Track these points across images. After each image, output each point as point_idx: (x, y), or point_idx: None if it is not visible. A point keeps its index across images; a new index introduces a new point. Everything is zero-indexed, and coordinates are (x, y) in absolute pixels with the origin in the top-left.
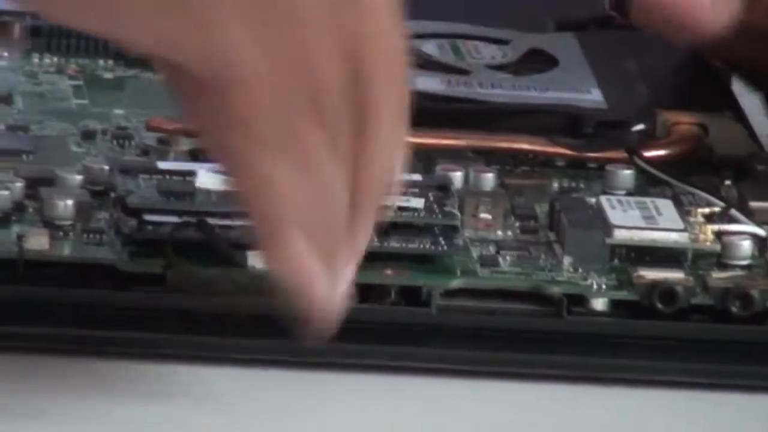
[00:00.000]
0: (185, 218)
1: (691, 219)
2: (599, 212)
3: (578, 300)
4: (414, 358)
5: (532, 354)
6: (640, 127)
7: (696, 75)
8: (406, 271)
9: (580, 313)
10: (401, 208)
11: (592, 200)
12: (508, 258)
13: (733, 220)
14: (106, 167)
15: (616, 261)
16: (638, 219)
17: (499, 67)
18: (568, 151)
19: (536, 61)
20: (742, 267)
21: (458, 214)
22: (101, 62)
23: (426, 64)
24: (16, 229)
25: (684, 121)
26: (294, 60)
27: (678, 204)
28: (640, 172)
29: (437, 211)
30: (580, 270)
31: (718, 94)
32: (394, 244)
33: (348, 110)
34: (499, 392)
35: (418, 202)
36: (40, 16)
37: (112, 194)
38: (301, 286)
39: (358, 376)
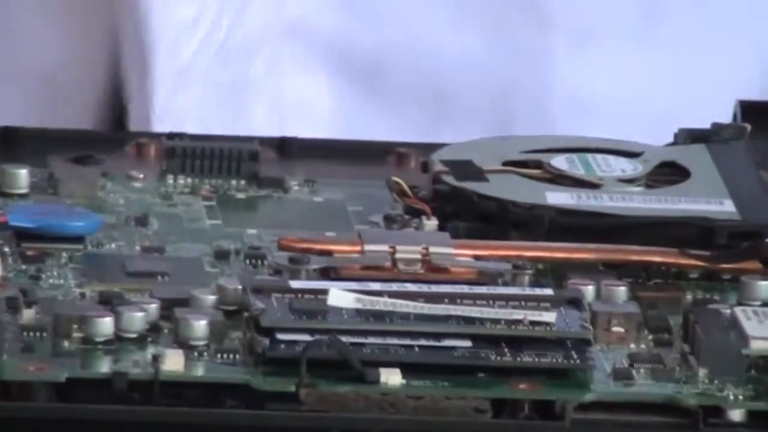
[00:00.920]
0: (317, 336)
1: None
2: (735, 323)
3: (715, 411)
4: None
5: None
6: None
7: None
8: (540, 385)
9: (717, 425)
10: (534, 323)
11: (727, 311)
12: (642, 371)
13: None
14: (240, 287)
15: (753, 372)
16: None
17: (630, 180)
18: (701, 263)
19: (668, 173)
20: None
21: (590, 327)
22: (234, 183)
23: (556, 178)
24: (151, 350)
25: None
26: None
27: None
28: None
29: (569, 325)
30: (716, 381)
31: None
32: (527, 358)
33: None
34: None
35: (551, 316)
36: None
37: (246, 314)
38: None
39: None
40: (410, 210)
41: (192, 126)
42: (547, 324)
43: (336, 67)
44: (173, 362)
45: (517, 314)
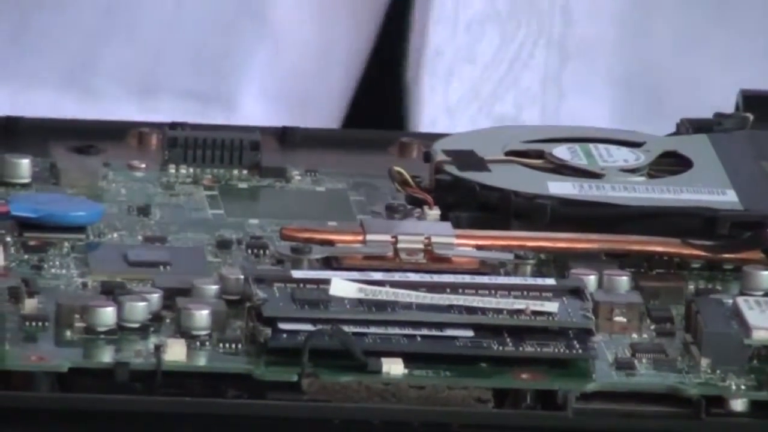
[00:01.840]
0: (319, 326)
1: None
2: (737, 313)
3: (717, 401)
4: None
5: None
6: None
7: None
8: (542, 375)
9: (719, 415)
10: (536, 313)
11: (729, 301)
12: (644, 360)
13: None
14: (242, 277)
15: (755, 362)
16: None
17: (633, 170)
18: (703, 253)
19: (670, 163)
20: None
21: (593, 317)
22: (236, 172)
23: (558, 168)
24: (153, 339)
25: None
26: None
27: None
28: None
29: (572, 315)
30: (718, 371)
31: None
32: (528, 348)
33: None
34: None
35: (553, 306)
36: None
37: (248, 303)
38: None
39: None
40: (412, 200)
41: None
42: (549, 314)
43: None
44: (175, 352)
45: (519, 304)
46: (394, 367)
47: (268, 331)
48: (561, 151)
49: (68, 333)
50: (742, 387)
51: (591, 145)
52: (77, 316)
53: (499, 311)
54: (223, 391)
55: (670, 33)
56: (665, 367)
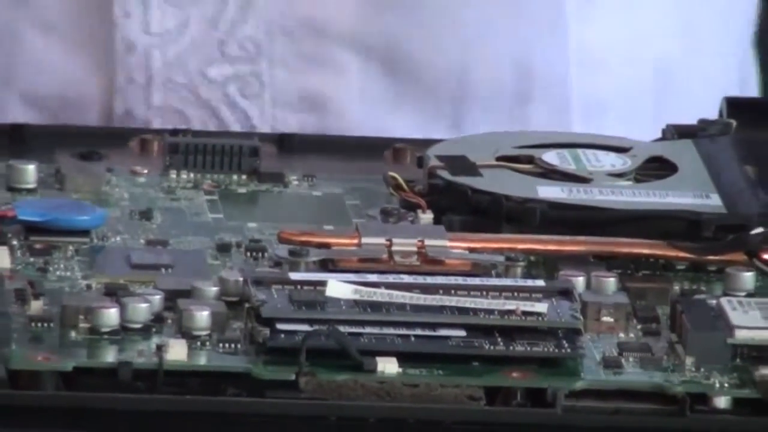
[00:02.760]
0: (316, 327)
1: None
2: (720, 313)
3: (701, 399)
4: None
5: None
6: (759, 230)
7: None
8: (532, 373)
9: (703, 412)
10: (526, 313)
11: (713, 302)
12: (630, 359)
13: None
14: (241, 279)
15: (738, 360)
16: (759, 319)
17: (619, 175)
18: (688, 255)
19: (656, 168)
20: None
21: (581, 317)
22: (235, 177)
23: (547, 173)
24: (155, 340)
25: None
26: None
27: None
28: (761, 274)
29: (560, 315)
30: (702, 369)
31: None
32: (519, 347)
33: None
34: None
35: (542, 307)
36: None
37: (247, 305)
38: None
39: None
40: (406, 204)
41: None
42: (538, 314)
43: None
44: (176, 352)
45: (510, 305)
46: (388, 366)
47: (267, 331)
48: (550, 157)
49: (73, 333)
50: (726, 385)
51: (579, 151)
52: (81, 317)
53: (490, 312)
54: (222, 390)
55: None
56: (651, 365)
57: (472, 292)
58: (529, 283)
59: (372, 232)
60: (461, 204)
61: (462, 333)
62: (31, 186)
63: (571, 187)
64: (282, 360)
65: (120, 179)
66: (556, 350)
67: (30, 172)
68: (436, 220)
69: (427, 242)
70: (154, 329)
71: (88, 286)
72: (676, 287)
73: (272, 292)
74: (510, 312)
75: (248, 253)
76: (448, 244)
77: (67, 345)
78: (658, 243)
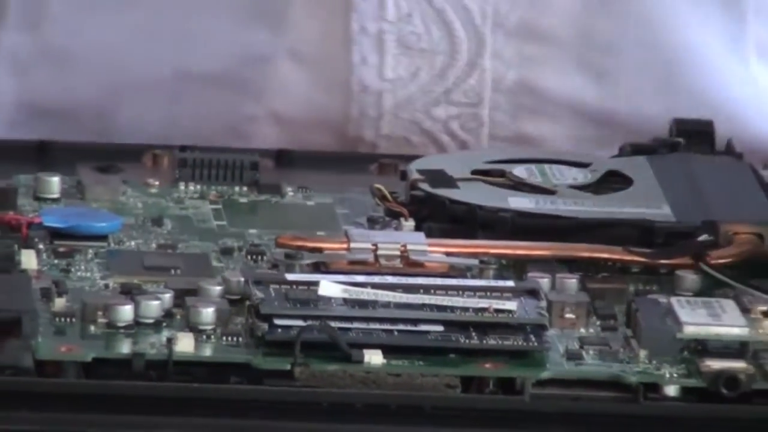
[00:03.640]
0: (309, 322)
1: (751, 315)
2: (670, 311)
3: (653, 387)
4: None
5: None
6: (705, 237)
7: (751, 190)
8: (502, 364)
9: (655, 399)
10: (497, 310)
11: (664, 301)
12: (590, 352)
13: None
14: (242, 279)
15: (685, 353)
16: (705, 316)
17: (581, 187)
18: (642, 259)
19: (613, 181)
20: None
21: (546, 314)
22: (237, 189)
23: (517, 185)
24: (166, 333)
25: (743, 231)
26: None
27: (739, 303)
28: (706, 276)
29: (528, 312)
30: (654, 361)
31: None
32: (491, 341)
33: None
34: None
35: (512, 305)
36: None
37: (247, 302)
38: None
39: None
40: (390, 213)
41: None
42: (509, 311)
43: None
44: (185, 344)
45: (483, 303)
46: (374, 358)
47: (265, 326)
48: (519, 171)
49: (92, 328)
50: (675, 375)
51: (545, 166)
52: (100, 313)
53: (465, 309)
54: (226, 378)
55: None
56: (609, 357)
57: (449, 292)
58: (500, 283)
59: (360, 238)
60: (440, 213)
61: (440, 328)
62: (55, 196)
63: (538, 198)
64: (279, 352)
65: (134, 190)
66: (525, 344)
67: (54, 183)
68: (417, 227)
69: (409, 247)
70: (164, 324)
71: (106, 286)
72: (631, 288)
73: (270, 291)
74: (483, 309)
75: (249, 256)
76: (428, 248)
77: (87, 338)
78: (615, 248)
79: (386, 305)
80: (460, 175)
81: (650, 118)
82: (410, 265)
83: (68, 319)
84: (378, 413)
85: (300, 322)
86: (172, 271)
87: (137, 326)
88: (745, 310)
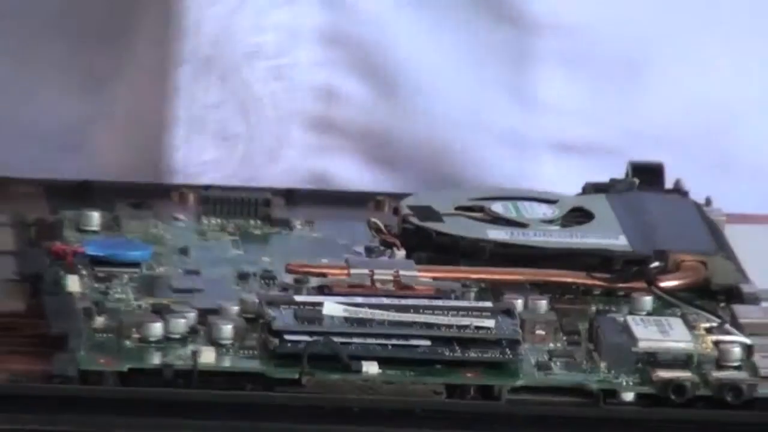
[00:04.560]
0: (315, 337)
1: (696, 332)
2: (627, 328)
3: (612, 394)
4: None
5: None
6: (656, 264)
7: (695, 224)
8: (482, 374)
9: (613, 404)
10: (478, 327)
11: (621, 319)
12: (558, 363)
13: (727, 333)
14: (257, 300)
15: (639, 364)
16: (656, 333)
17: (549, 221)
18: (602, 283)
19: (577, 216)
20: (734, 367)
21: (520, 331)
22: (252, 222)
23: (495, 219)
24: (191, 347)
25: (688, 259)
26: None
27: (686, 321)
28: (657, 298)
29: (504, 329)
30: (612, 371)
31: (714, 239)
32: (472, 354)
33: None
34: None
35: (490, 323)
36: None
37: (261, 320)
38: None
39: None
40: (385, 243)
41: None
42: (487, 328)
43: None
44: (207, 356)
45: (465, 321)
46: (371, 368)
47: (276, 341)
48: (497, 207)
49: (127, 342)
50: (630, 383)
51: (519, 202)
52: (134, 329)
53: (450, 326)
54: (242, 386)
55: None
56: (574, 368)
57: (435, 311)
58: (480, 304)
59: (358, 265)
60: (427, 243)
61: (428, 342)
62: (95, 228)
63: (512, 230)
64: (288, 363)
65: (164, 223)
66: (501, 356)
67: (95, 217)
68: (408, 256)
69: (401, 272)
70: (189, 339)
71: (139, 306)
72: (593, 308)
73: (281, 311)
74: (465, 326)
75: (262, 281)
76: (417, 274)
77: (123, 351)
78: (579, 274)
79: (381, 323)
80: (445, 210)
81: None
82: (402, 288)
83: (106, 335)
84: (374, 416)
85: (307, 338)
86: (196, 294)
87: (166, 341)
88: (690, 327)
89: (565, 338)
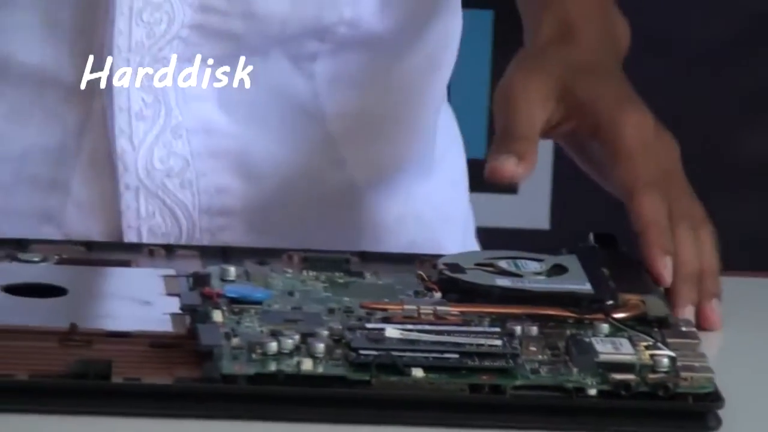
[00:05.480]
0: (381, 352)
1: (638, 348)
2: (591, 346)
3: (581, 390)
4: (495, 426)
5: (558, 417)
6: (610, 302)
7: (639, 272)
8: (493, 376)
9: (583, 397)
10: (490, 345)
11: (588, 340)
12: (545, 369)
13: (658, 348)
14: (341, 327)
15: (600, 370)
16: (611, 348)
17: (538, 273)
18: (575, 315)
19: (557, 270)
20: (664, 372)
21: (519, 347)
22: (337, 274)
23: (501, 272)
24: (296, 359)
25: (633, 299)
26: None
27: (631, 341)
28: (612, 326)
29: (508, 346)
30: (582, 375)
31: (651, 284)
32: (486, 363)
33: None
34: None
35: (499, 342)
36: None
37: (343, 341)
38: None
39: None
40: (427, 288)
41: None
42: (497, 345)
43: None
44: (307, 365)
45: (481, 341)
46: (418, 373)
47: (354, 354)
48: (502, 263)
49: (254, 355)
50: (594, 383)
51: (517, 260)
52: (258, 347)
53: (471, 344)
54: (331, 385)
55: None
56: (555, 372)
57: (461, 334)
58: (491, 329)
59: (409, 303)
60: (456, 288)
61: (456, 355)
62: (232, 278)
63: (513, 279)
64: (362, 370)
65: (277, 274)
66: (506, 364)
67: (232, 271)
68: (443, 297)
69: (438, 308)
70: (295, 353)
71: (261, 331)
72: (568, 332)
73: (357, 333)
74: (481, 344)
75: (344, 314)
76: (449, 309)
77: (251, 361)
78: (559, 309)
79: (425, 342)
80: (468, 266)
81: None
82: (438, 318)
83: (240, 350)
84: (420, 406)
85: (374, 352)
86: (300, 323)
87: (280, 355)
88: (634, 345)
89: (549, 352)
